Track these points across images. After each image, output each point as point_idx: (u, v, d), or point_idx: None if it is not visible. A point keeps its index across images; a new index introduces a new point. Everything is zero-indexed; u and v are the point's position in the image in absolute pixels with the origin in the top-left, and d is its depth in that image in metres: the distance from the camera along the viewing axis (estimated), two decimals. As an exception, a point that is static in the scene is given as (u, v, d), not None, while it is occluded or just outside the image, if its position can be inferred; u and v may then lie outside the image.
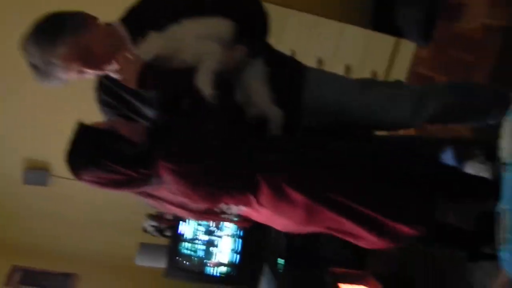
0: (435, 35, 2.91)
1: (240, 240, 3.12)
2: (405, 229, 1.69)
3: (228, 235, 3.11)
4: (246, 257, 3.08)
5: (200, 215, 1.73)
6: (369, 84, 1.90)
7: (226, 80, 1.62)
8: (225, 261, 3.06)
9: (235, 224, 1.87)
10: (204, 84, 1.56)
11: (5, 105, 3.32)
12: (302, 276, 2.54)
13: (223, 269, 3.04)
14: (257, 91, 1.71)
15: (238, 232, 3.13)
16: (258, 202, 1.63)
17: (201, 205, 1.66)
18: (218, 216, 1.73)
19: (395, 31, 3.09)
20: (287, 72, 1.82)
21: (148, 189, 1.63)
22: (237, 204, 1.68)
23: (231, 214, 1.71)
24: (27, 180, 3.36)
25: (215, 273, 3.02)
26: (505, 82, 2.33)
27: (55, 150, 3.25)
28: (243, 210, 1.69)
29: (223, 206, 1.67)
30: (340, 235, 1.77)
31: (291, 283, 2.44)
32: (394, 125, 1.94)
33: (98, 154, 1.55)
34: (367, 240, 1.74)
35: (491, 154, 1.89)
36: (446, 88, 1.96)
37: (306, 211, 1.65)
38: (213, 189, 1.61)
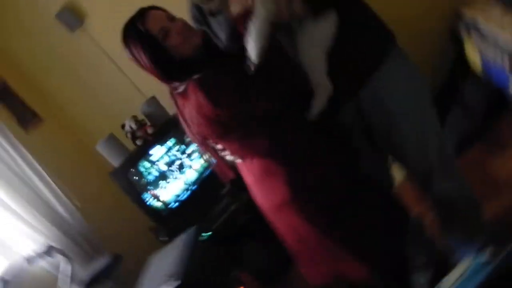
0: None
1: (189, 193, 3.18)
2: (357, 272, 1.77)
3: (183, 181, 3.17)
4: (182, 210, 3.14)
5: (197, 139, 1.81)
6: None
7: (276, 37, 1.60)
8: (164, 199, 3.11)
9: (219, 169, 1.91)
10: (252, 38, 1.54)
11: None
12: (213, 260, 2.58)
13: (158, 204, 3.09)
14: (313, 60, 1.65)
15: (192, 186, 3.18)
16: (252, 163, 1.75)
17: (203, 134, 1.76)
18: (211, 151, 1.79)
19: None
20: (358, 52, 1.71)
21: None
22: (234, 153, 1.73)
23: (223, 156, 1.79)
24: (59, 17, 3.37)
25: (148, 202, 3.07)
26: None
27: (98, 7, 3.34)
28: (236, 160, 1.75)
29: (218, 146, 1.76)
30: (294, 248, 1.86)
31: (200, 257, 2.47)
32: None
33: (149, 42, 1.67)
34: (311, 263, 1.86)
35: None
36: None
37: (282, 201, 1.76)
38: (225, 133, 1.71)
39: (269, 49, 1.55)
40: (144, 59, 1.70)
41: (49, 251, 2.60)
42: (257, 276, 2.73)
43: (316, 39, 1.61)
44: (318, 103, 1.65)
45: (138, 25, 1.70)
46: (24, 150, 3.14)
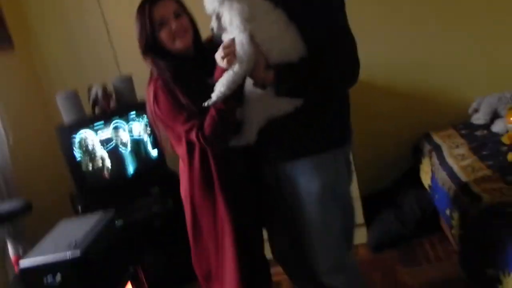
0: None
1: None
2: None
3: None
4: (108, 190, 3.17)
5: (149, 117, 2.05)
6: None
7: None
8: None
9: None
10: (222, 82, 1.69)
11: None
12: (117, 247, 2.57)
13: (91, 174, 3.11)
14: (253, 117, 1.84)
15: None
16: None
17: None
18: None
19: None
20: (303, 132, 1.86)
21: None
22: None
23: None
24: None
25: (81, 169, 3.09)
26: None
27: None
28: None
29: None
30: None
31: (107, 239, 2.47)
32: None
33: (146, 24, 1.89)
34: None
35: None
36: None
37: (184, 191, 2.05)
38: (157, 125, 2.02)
39: (230, 97, 1.73)
40: (136, 31, 1.94)
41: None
42: (149, 280, 2.73)
43: (266, 106, 1.80)
44: (234, 141, 1.87)
45: (146, 5, 1.90)
46: None
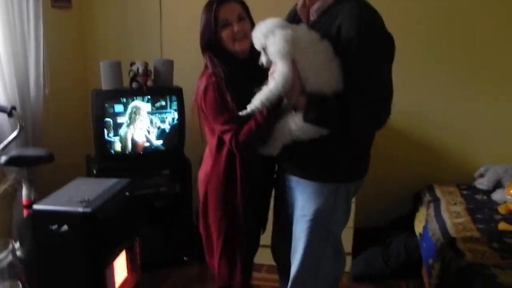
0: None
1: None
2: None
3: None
4: (124, 162, 3.32)
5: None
6: None
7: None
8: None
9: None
10: (259, 96, 1.84)
11: None
12: (125, 217, 2.73)
13: (115, 144, 3.28)
14: (280, 134, 1.94)
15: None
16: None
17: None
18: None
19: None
20: (320, 158, 1.99)
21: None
22: None
23: None
24: None
25: (105, 136, 3.25)
26: None
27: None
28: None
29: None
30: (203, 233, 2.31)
31: (118, 205, 2.62)
32: None
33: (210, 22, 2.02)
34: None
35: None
36: None
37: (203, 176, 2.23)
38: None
39: (271, 114, 1.90)
40: (201, 26, 2.08)
41: (11, 111, 2.66)
42: (143, 253, 2.88)
43: (295, 127, 1.90)
44: (262, 150, 2.01)
45: (214, 4, 2.02)
46: (40, 14, 3.18)
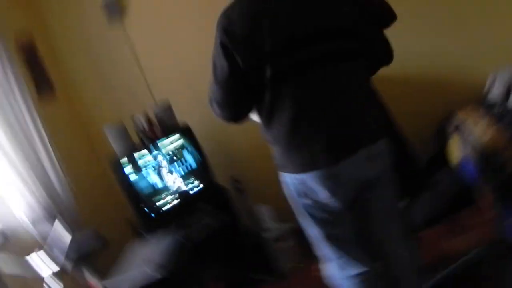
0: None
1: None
2: None
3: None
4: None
5: None
6: None
7: None
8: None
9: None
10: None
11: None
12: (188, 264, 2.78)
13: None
14: None
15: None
16: None
17: None
18: None
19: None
20: None
21: None
22: None
23: None
24: (105, 7, 3.66)
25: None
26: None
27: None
28: None
29: None
30: None
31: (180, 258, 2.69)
32: None
33: None
34: None
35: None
36: None
37: None
38: None
39: None
40: None
41: (51, 217, 2.70)
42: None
43: None
44: None
45: None
46: (35, 115, 3.26)
